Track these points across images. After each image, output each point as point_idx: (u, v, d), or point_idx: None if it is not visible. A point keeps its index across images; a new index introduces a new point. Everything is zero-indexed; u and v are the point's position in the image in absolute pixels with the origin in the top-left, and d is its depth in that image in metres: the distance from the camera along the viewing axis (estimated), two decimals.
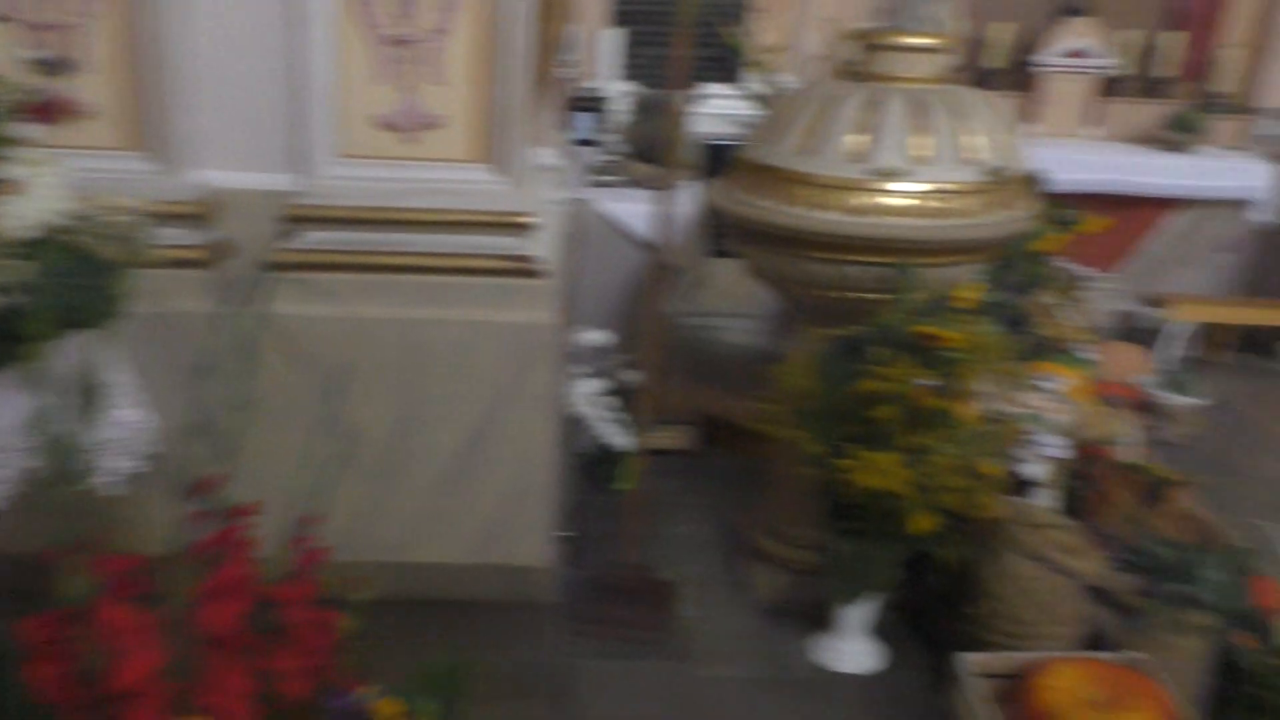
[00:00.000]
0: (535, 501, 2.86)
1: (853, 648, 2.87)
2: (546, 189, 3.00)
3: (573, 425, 3.77)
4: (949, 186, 2.44)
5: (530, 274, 2.57)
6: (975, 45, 5.58)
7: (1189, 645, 2.60)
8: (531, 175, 2.73)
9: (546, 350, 2.66)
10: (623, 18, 4.91)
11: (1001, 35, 5.51)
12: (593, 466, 3.79)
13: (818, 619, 2.91)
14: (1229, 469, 4.35)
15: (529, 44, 2.47)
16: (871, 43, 2.64)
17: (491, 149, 2.51)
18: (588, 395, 3.88)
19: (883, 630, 2.93)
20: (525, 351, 2.63)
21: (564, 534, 3.23)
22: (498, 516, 2.85)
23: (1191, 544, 2.83)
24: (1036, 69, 5.51)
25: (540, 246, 2.64)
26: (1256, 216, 5.57)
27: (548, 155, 3.14)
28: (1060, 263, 4.26)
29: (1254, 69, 5.70)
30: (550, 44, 3.09)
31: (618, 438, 3.76)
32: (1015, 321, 3.72)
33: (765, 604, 3.10)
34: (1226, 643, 2.66)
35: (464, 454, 2.74)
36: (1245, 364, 5.60)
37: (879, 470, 2.40)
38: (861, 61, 2.68)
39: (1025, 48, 5.56)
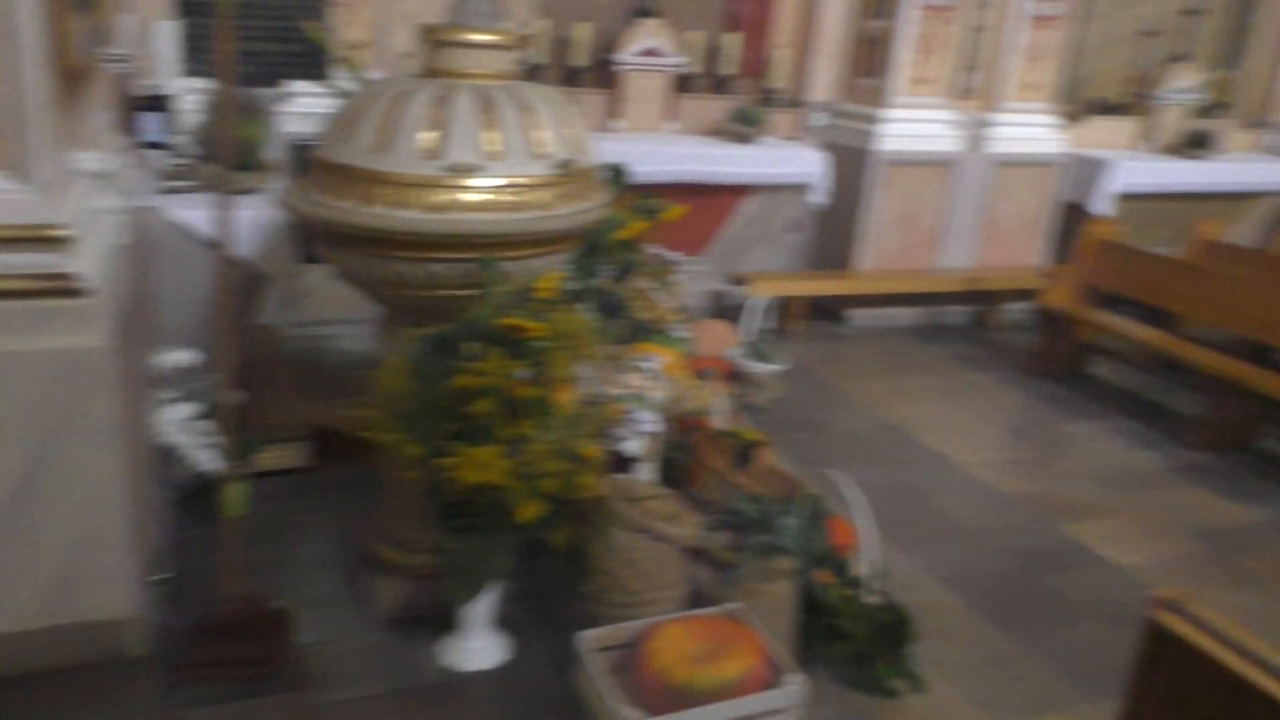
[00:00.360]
0: (111, 547, 2.55)
1: (478, 644, 2.87)
2: (93, 197, 2.67)
3: (164, 456, 3.42)
4: (521, 180, 2.48)
5: (72, 293, 2.27)
6: (562, 44, 5.78)
7: (777, 589, 2.86)
8: (68, 182, 2.42)
9: (103, 377, 2.37)
10: (185, 8, 4.52)
11: (583, 34, 5.75)
12: (194, 498, 3.47)
13: (443, 622, 2.88)
14: (808, 425, 4.87)
15: (39, 34, 2.17)
16: (438, 39, 2.62)
17: (7, 154, 2.18)
18: (178, 421, 3.54)
19: (509, 621, 2.95)
20: (75, 381, 2.33)
21: (158, 577, 2.93)
22: (65, 570, 2.51)
23: (774, 497, 3.11)
24: (618, 67, 5.82)
25: (84, 262, 2.34)
26: (814, 199, 6.29)
27: (95, 159, 2.80)
28: (652, 249, 4.53)
29: (800, 67, 6.42)
30: (87, 35, 2.75)
31: (218, 464, 3.47)
32: (613, 307, 3.89)
33: (390, 615, 3.01)
34: (809, 582, 2.97)
35: (10, 505, 2.38)
36: (817, 330, 6.32)
37: (480, 464, 2.40)
38: (431, 57, 2.66)
39: (606, 46, 5.84)
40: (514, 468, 2.43)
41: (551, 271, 2.63)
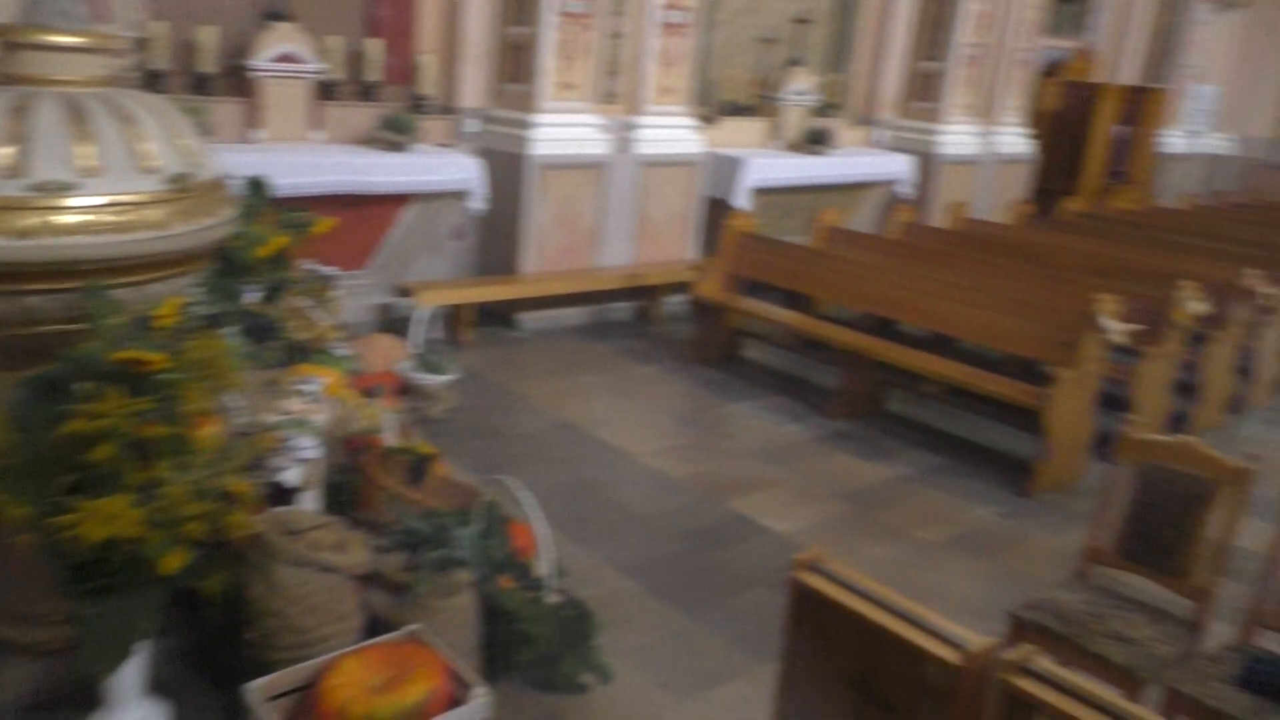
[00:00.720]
0: None
1: (130, 716, 2.57)
2: None
3: None
4: (127, 198, 2.23)
5: None
6: (185, 49, 5.34)
7: (457, 603, 2.80)
8: None
9: None
10: None
11: (208, 39, 5.34)
12: None
13: (86, 699, 2.55)
14: (484, 432, 4.84)
15: None
16: (11, 40, 2.30)
17: None
18: None
19: (165, 684, 2.67)
20: None
21: None
22: None
23: (450, 510, 3.05)
24: (252, 74, 5.46)
25: None
26: (474, 205, 6.26)
27: None
28: (307, 265, 4.30)
29: (448, 74, 6.37)
30: None
31: None
32: (264, 329, 3.65)
33: (19, 703, 2.63)
34: (491, 590, 2.94)
35: None
36: (488, 336, 6.31)
37: (107, 517, 2.13)
38: (5, 62, 2.33)
39: (238, 52, 5.47)
40: (149, 516, 2.19)
41: (176, 296, 2.39)
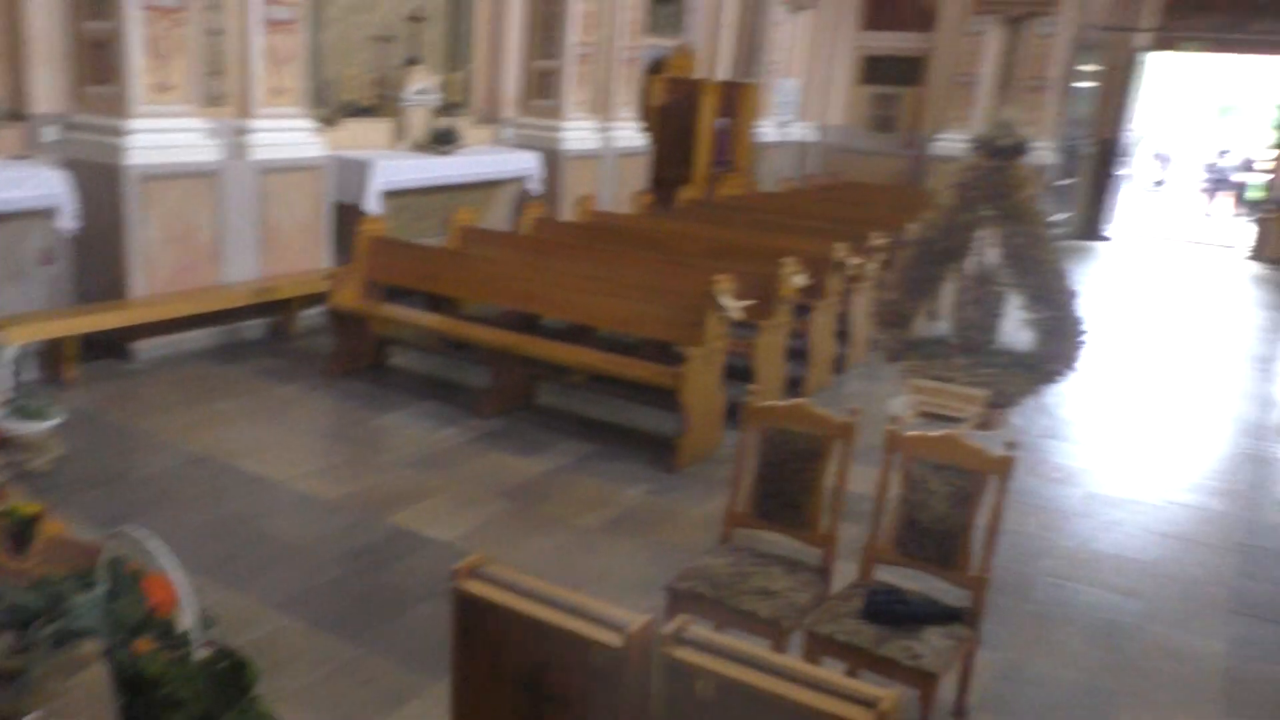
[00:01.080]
0: None
1: None
2: None
3: None
4: None
5: None
6: None
7: (85, 680, 2.48)
8: None
9: None
10: None
11: None
12: None
13: None
14: (105, 479, 4.34)
15: None
16: None
17: None
18: None
19: None
20: None
21: None
22: None
23: (65, 575, 2.69)
24: None
25: None
26: (64, 224, 5.56)
27: None
28: None
29: (15, 75, 5.58)
30: None
31: None
32: None
33: None
34: (127, 657, 2.63)
35: None
36: (98, 371, 5.64)
37: None
38: None
39: None
40: None
41: None
